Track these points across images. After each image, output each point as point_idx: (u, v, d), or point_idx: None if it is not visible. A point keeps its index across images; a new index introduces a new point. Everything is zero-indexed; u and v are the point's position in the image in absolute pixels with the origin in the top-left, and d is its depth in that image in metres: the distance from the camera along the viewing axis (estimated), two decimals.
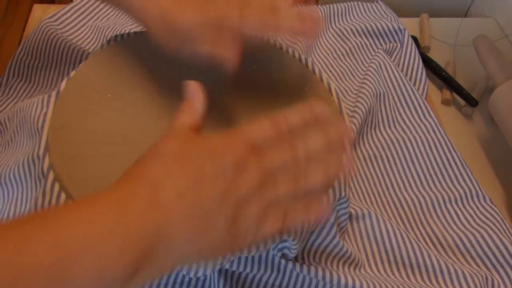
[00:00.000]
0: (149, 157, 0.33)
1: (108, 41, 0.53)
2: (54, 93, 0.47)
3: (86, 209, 0.29)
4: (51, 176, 0.41)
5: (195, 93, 0.37)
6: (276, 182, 0.32)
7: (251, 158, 0.32)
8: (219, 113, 0.49)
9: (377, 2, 0.77)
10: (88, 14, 0.70)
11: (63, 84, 0.48)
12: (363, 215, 0.51)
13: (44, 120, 0.45)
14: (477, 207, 0.53)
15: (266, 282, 0.46)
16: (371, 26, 0.72)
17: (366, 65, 0.68)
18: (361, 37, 0.72)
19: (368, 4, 0.76)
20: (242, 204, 0.31)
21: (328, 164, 0.34)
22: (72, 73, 0.49)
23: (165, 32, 0.42)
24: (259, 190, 0.31)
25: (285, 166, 0.33)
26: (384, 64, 0.65)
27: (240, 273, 0.46)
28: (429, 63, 0.71)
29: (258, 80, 0.52)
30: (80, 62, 0.64)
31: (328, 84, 0.51)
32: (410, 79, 0.67)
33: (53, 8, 0.73)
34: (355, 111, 0.58)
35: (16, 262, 0.26)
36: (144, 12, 0.42)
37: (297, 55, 0.53)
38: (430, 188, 0.55)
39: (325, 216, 0.33)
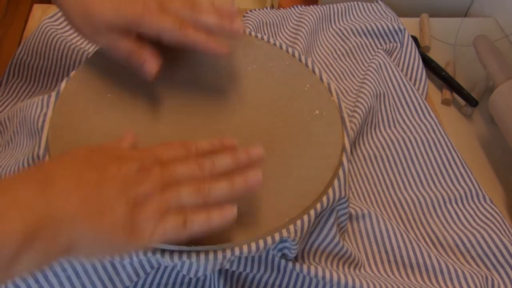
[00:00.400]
0: (57, 157, 0.35)
1: None
2: (54, 93, 0.47)
3: None
4: None
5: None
6: (179, 188, 0.34)
7: (155, 167, 0.35)
8: (219, 109, 0.49)
9: (377, 2, 0.77)
10: None
11: (63, 84, 0.48)
12: (363, 215, 0.51)
13: (44, 121, 0.45)
14: (477, 207, 0.53)
15: (266, 282, 0.46)
16: (371, 26, 0.72)
17: (366, 65, 0.68)
18: (361, 37, 0.72)
19: (368, 4, 0.76)
20: (143, 199, 0.33)
21: (234, 179, 0.36)
22: (72, 73, 0.49)
23: (80, 17, 0.43)
24: (160, 190, 0.34)
25: (190, 177, 0.35)
26: (384, 64, 0.65)
27: (240, 273, 0.46)
28: (429, 63, 0.71)
29: (258, 79, 0.52)
30: (80, 62, 0.64)
31: (328, 84, 0.51)
32: (410, 79, 0.67)
33: (53, 8, 0.73)
34: (355, 111, 0.58)
35: None
36: None
37: (297, 55, 0.53)
38: (430, 188, 0.55)
39: (227, 221, 0.35)
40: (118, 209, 0.32)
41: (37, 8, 0.73)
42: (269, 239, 0.39)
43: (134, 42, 0.44)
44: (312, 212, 0.41)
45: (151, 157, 0.36)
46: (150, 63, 0.43)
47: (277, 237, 0.39)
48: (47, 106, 0.46)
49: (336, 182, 0.43)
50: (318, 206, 0.42)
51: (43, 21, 0.67)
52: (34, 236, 0.29)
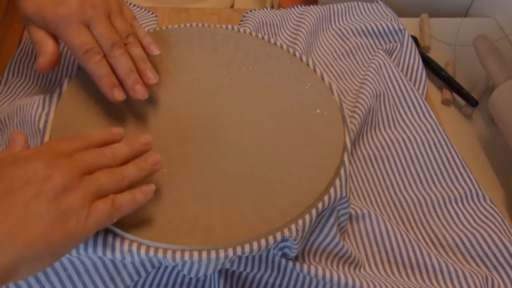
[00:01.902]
0: None
1: None
2: (56, 94, 0.47)
3: None
4: None
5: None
6: (96, 176, 0.35)
7: (61, 159, 0.34)
8: (220, 109, 0.49)
9: (377, 2, 0.77)
10: None
11: (64, 85, 0.48)
12: (363, 215, 0.51)
13: (46, 121, 0.45)
14: (477, 207, 0.54)
15: (266, 282, 0.46)
16: (371, 26, 0.72)
17: (366, 65, 0.68)
18: (361, 37, 0.72)
19: (368, 4, 0.77)
20: (63, 191, 0.33)
21: (137, 162, 0.38)
22: (74, 74, 0.49)
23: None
24: (77, 179, 0.34)
25: (99, 165, 0.36)
26: (384, 64, 0.65)
27: (240, 273, 0.46)
28: (429, 63, 0.71)
29: (259, 79, 0.52)
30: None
31: (329, 83, 0.51)
32: (410, 79, 0.67)
33: None
34: (355, 111, 0.59)
35: None
36: None
37: (297, 55, 0.53)
38: (430, 188, 0.56)
39: (148, 197, 0.37)
40: (42, 212, 0.31)
41: None
42: (270, 238, 0.39)
43: (107, 66, 0.45)
44: (313, 211, 0.41)
45: (51, 152, 0.35)
46: (120, 90, 0.45)
47: (278, 236, 0.39)
48: (49, 106, 0.46)
49: (337, 181, 0.43)
50: (320, 205, 0.42)
51: None
52: None
